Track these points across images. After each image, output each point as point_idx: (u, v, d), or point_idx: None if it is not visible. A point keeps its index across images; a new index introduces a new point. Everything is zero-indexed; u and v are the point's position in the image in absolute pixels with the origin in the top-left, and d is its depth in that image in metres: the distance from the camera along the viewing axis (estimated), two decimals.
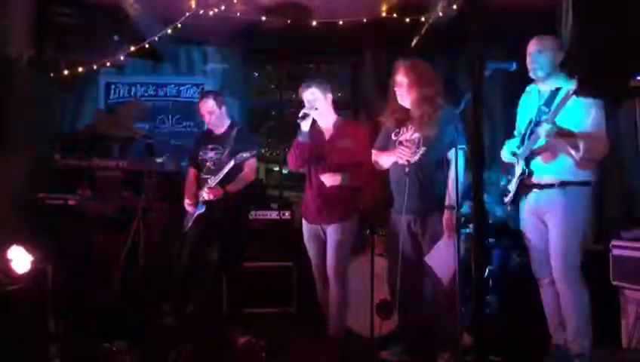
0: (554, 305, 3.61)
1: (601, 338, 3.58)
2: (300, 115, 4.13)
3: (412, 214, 3.78)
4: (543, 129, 3.42)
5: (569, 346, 3.49)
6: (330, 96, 4.29)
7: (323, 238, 4.28)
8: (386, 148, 3.99)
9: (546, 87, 3.64)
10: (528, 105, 3.76)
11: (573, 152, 3.44)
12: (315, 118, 4.22)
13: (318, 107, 4.20)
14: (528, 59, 3.62)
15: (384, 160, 3.98)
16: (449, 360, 3.68)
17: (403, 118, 3.91)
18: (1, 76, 4.48)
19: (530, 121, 3.62)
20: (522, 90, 3.89)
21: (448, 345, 3.69)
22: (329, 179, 4.15)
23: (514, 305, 4.38)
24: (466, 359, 3.55)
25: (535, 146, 3.57)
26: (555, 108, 3.41)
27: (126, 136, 5.72)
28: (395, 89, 3.88)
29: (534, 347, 3.82)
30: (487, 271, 4.75)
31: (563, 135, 3.42)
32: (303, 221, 4.39)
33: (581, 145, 3.39)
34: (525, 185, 3.65)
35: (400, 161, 3.80)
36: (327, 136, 4.32)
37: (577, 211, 3.51)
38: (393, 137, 3.94)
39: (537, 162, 3.60)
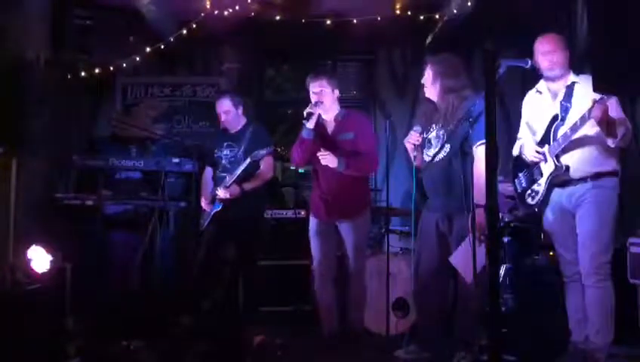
0: (577, 302, 3.56)
1: (619, 334, 3.54)
2: (305, 114, 4.13)
3: (440, 212, 3.77)
4: (597, 109, 3.22)
5: (590, 341, 3.44)
6: (337, 91, 4.28)
7: (334, 235, 4.29)
8: (421, 148, 3.98)
9: (558, 85, 3.59)
10: (542, 104, 3.70)
11: (609, 140, 3.34)
12: (320, 113, 4.22)
13: (324, 101, 4.19)
14: (541, 58, 3.57)
15: (413, 158, 3.94)
16: (465, 359, 3.66)
17: (432, 114, 3.89)
18: (19, 78, 4.53)
19: (555, 117, 3.55)
20: None
21: (464, 344, 3.68)
22: (325, 158, 4.10)
23: (531, 304, 4.35)
24: (481, 358, 3.55)
25: (572, 138, 3.45)
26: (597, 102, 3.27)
27: (144, 135, 5.77)
28: (423, 82, 3.87)
29: (551, 345, 3.79)
30: (503, 268, 4.73)
31: (606, 122, 3.27)
32: (311, 217, 4.38)
33: (619, 131, 3.30)
34: (555, 185, 3.58)
35: (412, 151, 3.81)
36: (329, 129, 4.31)
37: (609, 204, 3.45)
38: (424, 135, 3.93)
39: (570, 157, 3.50)
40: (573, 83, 3.54)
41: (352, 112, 4.45)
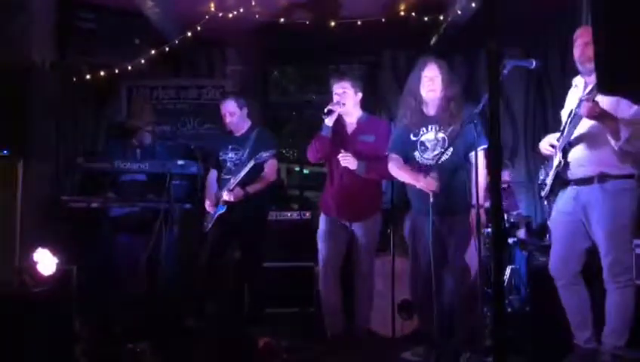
0: (574, 305, 3.52)
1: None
2: (325, 110, 4.13)
3: (438, 215, 3.72)
4: (583, 107, 3.19)
5: (602, 342, 3.41)
6: (360, 94, 4.29)
7: (343, 236, 4.27)
8: (403, 149, 3.95)
9: (591, 79, 3.41)
10: (572, 98, 3.60)
11: (612, 140, 3.24)
12: (341, 113, 4.22)
13: (346, 103, 4.20)
14: (576, 49, 3.46)
15: (403, 178, 3.93)
16: (470, 361, 3.65)
17: (422, 117, 3.88)
18: (25, 81, 4.54)
19: (571, 112, 3.47)
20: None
21: (470, 346, 3.67)
22: (346, 160, 4.11)
23: (537, 304, 4.34)
24: (486, 360, 3.54)
25: (573, 136, 3.40)
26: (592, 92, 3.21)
27: (145, 122, 5.72)
28: (427, 84, 3.81)
29: (557, 346, 3.78)
30: (509, 270, 4.73)
31: (604, 118, 3.20)
32: (322, 216, 4.36)
33: (622, 133, 3.18)
34: (562, 181, 3.51)
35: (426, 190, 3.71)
36: (349, 130, 4.31)
37: (622, 209, 3.33)
38: (412, 137, 3.91)
39: (575, 154, 3.44)
40: None
41: (374, 117, 4.49)
